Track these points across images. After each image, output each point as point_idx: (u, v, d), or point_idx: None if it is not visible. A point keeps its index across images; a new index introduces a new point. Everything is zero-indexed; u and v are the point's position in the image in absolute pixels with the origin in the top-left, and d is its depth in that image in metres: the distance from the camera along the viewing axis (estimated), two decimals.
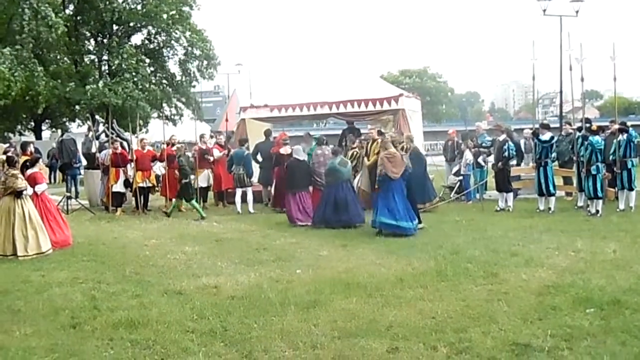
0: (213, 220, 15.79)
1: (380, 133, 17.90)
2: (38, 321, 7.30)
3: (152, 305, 7.83)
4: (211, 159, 18.45)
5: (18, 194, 11.36)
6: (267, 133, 18.68)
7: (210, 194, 19.40)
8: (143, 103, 29.81)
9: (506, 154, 15.79)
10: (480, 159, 17.72)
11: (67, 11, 32.24)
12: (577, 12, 32.85)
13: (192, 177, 17.35)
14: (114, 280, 9.32)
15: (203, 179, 18.51)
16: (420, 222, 13.47)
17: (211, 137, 21.74)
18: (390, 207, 12.81)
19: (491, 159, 16.99)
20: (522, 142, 18.92)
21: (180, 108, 35.63)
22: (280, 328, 6.76)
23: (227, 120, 21.55)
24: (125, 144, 19.42)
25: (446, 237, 12.18)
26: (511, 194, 16.22)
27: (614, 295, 7.52)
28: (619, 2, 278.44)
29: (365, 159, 16.78)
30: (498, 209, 15.96)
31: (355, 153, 16.85)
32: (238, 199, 17.23)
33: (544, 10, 33.20)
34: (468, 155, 18.22)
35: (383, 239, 12.23)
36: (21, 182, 11.44)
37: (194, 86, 35.63)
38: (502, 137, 16.31)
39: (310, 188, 15.34)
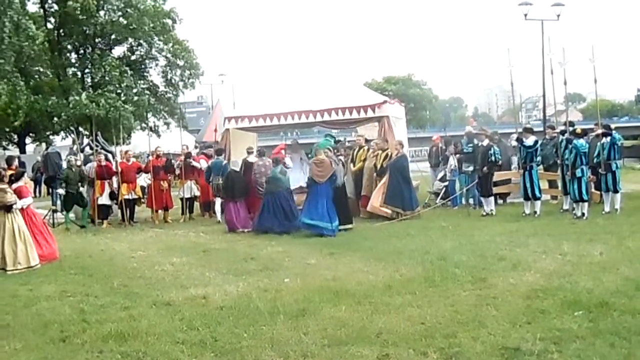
0: (200, 231, 15.78)
1: (366, 141, 18.01)
2: (27, 335, 7.24)
3: (141, 317, 7.79)
4: (193, 162, 18.47)
5: (8, 208, 11.30)
6: (250, 150, 18.30)
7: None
8: (127, 114, 29.67)
9: (492, 158, 15.88)
10: (464, 165, 17.75)
11: (48, 25, 32.14)
12: (558, 16, 33.14)
13: (82, 189, 17.63)
14: (102, 293, 9.28)
15: (186, 190, 18.46)
16: (350, 222, 14.60)
17: (195, 147, 21.72)
18: (312, 208, 13.90)
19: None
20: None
21: (167, 119, 35.56)
22: (270, 337, 6.75)
23: (215, 130, 21.49)
24: (109, 156, 19.40)
25: (433, 243, 12.18)
26: (491, 198, 16.28)
27: (601, 297, 7.56)
28: (601, 5, 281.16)
29: (351, 165, 16.88)
30: (484, 214, 16.01)
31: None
32: (218, 207, 17.29)
33: (526, 15, 33.47)
34: (452, 161, 18.28)
35: (371, 246, 12.26)
36: (11, 197, 11.36)
37: (176, 95, 35.55)
38: (486, 142, 16.38)
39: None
